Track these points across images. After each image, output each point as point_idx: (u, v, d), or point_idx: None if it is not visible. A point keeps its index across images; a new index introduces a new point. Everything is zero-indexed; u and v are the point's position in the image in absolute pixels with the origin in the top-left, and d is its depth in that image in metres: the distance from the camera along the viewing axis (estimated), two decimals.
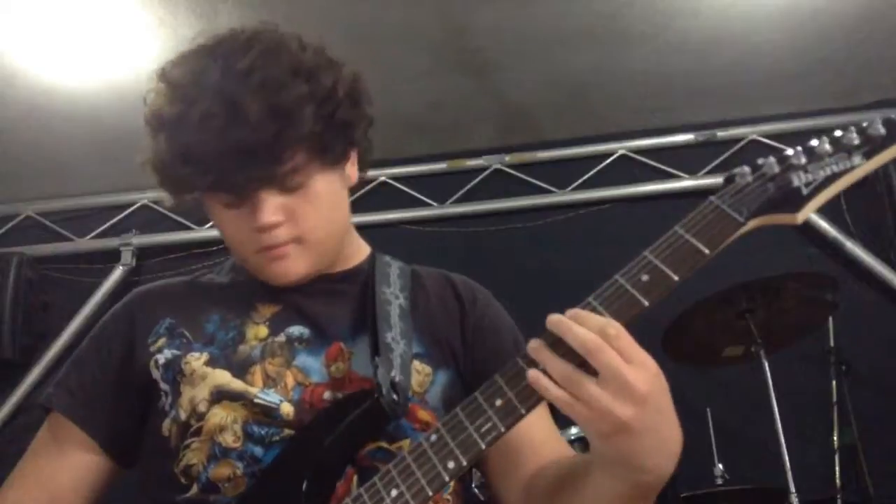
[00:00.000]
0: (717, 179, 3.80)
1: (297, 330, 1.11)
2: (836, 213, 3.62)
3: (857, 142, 0.90)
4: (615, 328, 0.82)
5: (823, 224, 3.60)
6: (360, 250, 1.25)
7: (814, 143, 0.91)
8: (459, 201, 3.96)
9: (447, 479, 0.89)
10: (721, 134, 3.85)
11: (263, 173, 1.00)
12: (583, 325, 0.82)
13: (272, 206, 1.04)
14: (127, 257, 3.95)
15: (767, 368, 2.64)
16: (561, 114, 3.80)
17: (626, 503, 0.90)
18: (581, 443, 2.39)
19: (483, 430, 0.88)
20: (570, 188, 3.91)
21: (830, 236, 3.61)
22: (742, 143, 3.82)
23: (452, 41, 3.22)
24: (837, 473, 3.10)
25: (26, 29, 2.96)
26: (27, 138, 3.58)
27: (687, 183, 3.77)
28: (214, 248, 3.96)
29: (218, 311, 1.14)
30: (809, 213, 0.90)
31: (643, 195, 3.79)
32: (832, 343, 3.33)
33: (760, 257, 3.26)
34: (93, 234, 4.07)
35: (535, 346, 0.86)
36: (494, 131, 3.92)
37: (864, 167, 0.90)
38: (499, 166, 3.99)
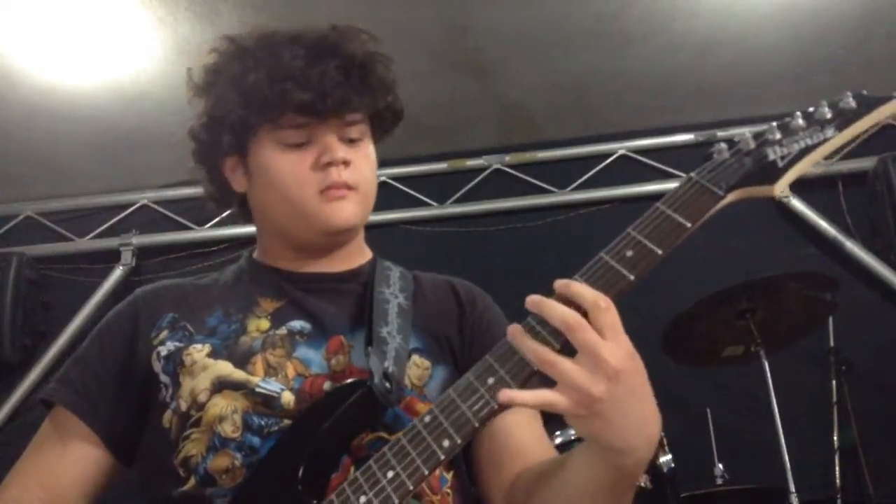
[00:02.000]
0: None
1: (298, 324, 1.12)
2: (836, 213, 3.63)
3: (829, 115, 0.94)
4: (606, 301, 0.84)
5: (823, 224, 3.60)
6: (364, 253, 1.28)
7: (787, 119, 0.95)
8: (459, 201, 3.96)
9: (442, 457, 0.90)
10: (721, 134, 3.84)
11: (357, 96, 1.13)
12: (577, 294, 0.84)
13: (343, 147, 1.14)
14: (127, 257, 3.95)
15: (767, 368, 2.64)
16: (561, 114, 3.80)
17: (607, 491, 0.91)
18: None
19: (475, 407, 0.89)
20: (570, 188, 3.91)
21: (830, 236, 3.60)
22: None
23: (452, 41, 3.22)
24: (837, 473, 3.10)
25: (26, 29, 2.96)
26: (27, 138, 3.58)
27: None
28: (215, 248, 3.96)
29: (221, 306, 1.16)
30: (786, 184, 0.93)
31: (643, 195, 3.79)
32: (832, 343, 3.34)
33: (760, 257, 3.26)
34: (93, 234, 4.07)
35: (512, 330, 0.88)
36: (494, 131, 3.92)
37: (836, 139, 0.93)
38: (499, 166, 3.99)
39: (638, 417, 0.85)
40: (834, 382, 3.28)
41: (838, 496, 3.02)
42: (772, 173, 0.92)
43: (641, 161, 3.89)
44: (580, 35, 3.21)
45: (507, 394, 0.85)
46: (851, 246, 3.59)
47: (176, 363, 1.09)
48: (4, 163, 3.77)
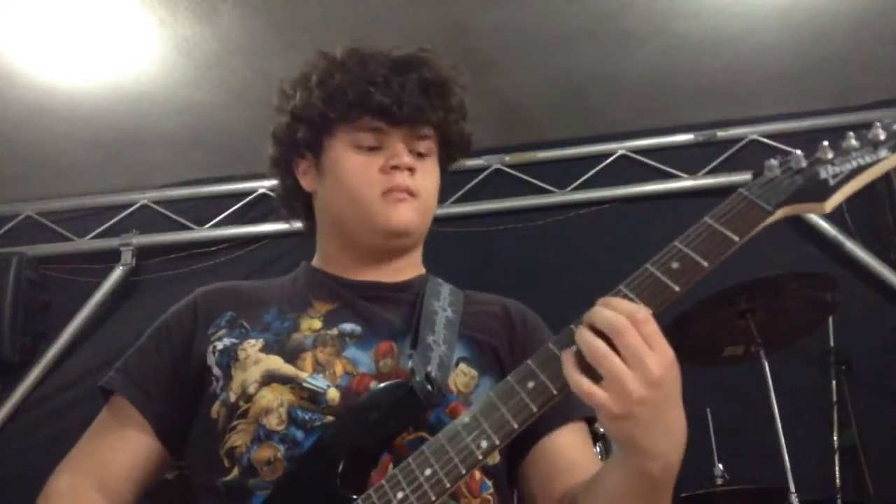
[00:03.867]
0: (718, 179, 3.82)
1: (349, 326, 1.16)
2: (836, 213, 3.58)
3: (882, 137, 0.94)
4: (644, 313, 0.85)
5: (823, 224, 3.61)
6: (418, 268, 1.32)
7: (840, 140, 0.95)
8: (459, 201, 3.96)
9: (480, 457, 0.91)
10: (721, 134, 3.85)
11: (431, 110, 1.22)
12: (614, 309, 0.85)
13: (410, 155, 1.21)
14: (127, 257, 3.95)
15: (767, 368, 2.64)
16: (561, 114, 3.80)
17: (637, 498, 0.92)
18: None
19: (515, 409, 0.91)
20: (570, 188, 3.91)
21: (830, 236, 3.61)
22: (742, 143, 3.82)
23: (452, 41, 3.22)
24: (837, 473, 3.10)
25: (26, 29, 2.96)
26: (27, 138, 3.59)
27: (687, 183, 3.77)
28: (214, 248, 3.96)
29: (276, 305, 1.20)
30: (836, 203, 0.93)
31: (643, 195, 3.79)
32: (832, 343, 3.34)
33: (760, 257, 3.25)
34: (93, 234, 4.07)
35: (574, 329, 0.89)
36: (494, 131, 3.92)
37: (889, 160, 0.93)
38: (499, 166, 3.99)
39: (670, 423, 0.88)
40: (834, 382, 3.28)
41: (838, 496, 3.02)
42: (822, 191, 0.92)
43: (641, 161, 3.89)
44: (580, 35, 3.21)
45: (566, 354, 0.87)
46: (851, 246, 3.60)
47: (230, 357, 1.13)
48: (4, 163, 3.77)
